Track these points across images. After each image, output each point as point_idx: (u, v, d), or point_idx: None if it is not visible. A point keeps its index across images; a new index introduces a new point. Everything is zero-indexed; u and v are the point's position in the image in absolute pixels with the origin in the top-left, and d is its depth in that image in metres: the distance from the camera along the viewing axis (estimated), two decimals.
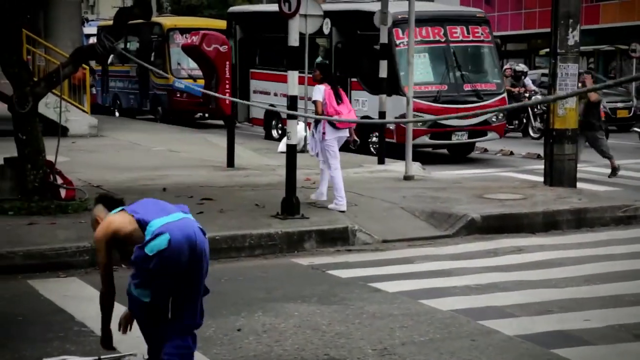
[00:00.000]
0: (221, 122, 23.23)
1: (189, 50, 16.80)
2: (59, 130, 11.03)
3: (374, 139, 17.68)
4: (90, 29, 31.86)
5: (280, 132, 20.80)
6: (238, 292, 7.50)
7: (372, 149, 17.67)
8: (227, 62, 15.59)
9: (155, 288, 5.08)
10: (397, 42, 17.23)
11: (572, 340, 6.22)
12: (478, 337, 6.26)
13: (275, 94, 20.36)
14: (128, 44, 28.42)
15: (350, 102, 17.47)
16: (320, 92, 10.83)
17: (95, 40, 10.79)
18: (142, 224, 5.05)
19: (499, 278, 8.05)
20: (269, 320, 6.61)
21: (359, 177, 13.64)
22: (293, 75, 10.20)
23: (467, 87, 17.57)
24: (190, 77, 24.42)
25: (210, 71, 15.88)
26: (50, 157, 10.48)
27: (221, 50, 15.49)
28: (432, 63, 17.77)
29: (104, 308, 5.34)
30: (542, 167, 13.21)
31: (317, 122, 10.87)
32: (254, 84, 21.55)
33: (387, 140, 17.26)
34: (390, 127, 17.23)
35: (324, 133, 10.78)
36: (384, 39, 15.54)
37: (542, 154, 14.54)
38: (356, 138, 11.48)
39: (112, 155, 16.57)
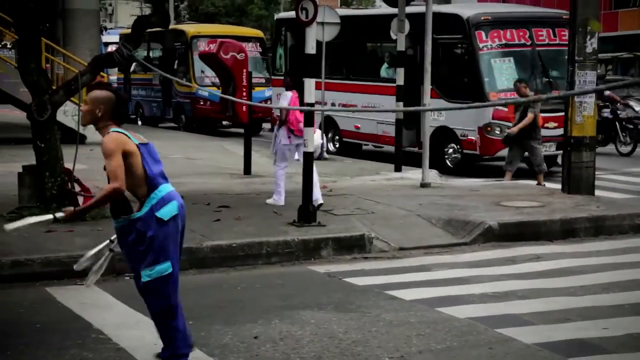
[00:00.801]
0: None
1: (206, 57, 16.93)
2: (77, 138, 11.08)
3: (450, 151, 16.87)
4: (109, 37, 31.97)
5: (337, 144, 19.95)
6: (255, 299, 7.50)
7: (448, 162, 16.73)
8: (244, 70, 15.69)
9: (173, 254, 5.32)
10: (480, 45, 16.19)
11: (591, 348, 6.19)
12: (496, 345, 6.24)
13: (333, 104, 19.35)
14: (151, 51, 28.40)
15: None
16: (287, 98, 11.57)
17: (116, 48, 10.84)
18: (151, 180, 5.34)
19: (516, 286, 8.02)
20: (285, 327, 6.61)
21: (375, 185, 13.63)
22: (310, 83, 10.23)
23: (555, 94, 15.73)
24: (213, 84, 24.34)
25: (227, 79, 15.97)
26: (68, 164, 10.53)
27: (238, 58, 15.58)
28: (517, 68, 16.60)
29: (107, 199, 5.27)
30: (560, 174, 13.16)
31: (280, 125, 11.54)
32: None
33: (467, 151, 16.31)
34: (473, 138, 16.33)
35: (289, 137, 11.44)
36: (401, 46, 15.54)
37: (559, 161, 14.47)
38: None
39: None
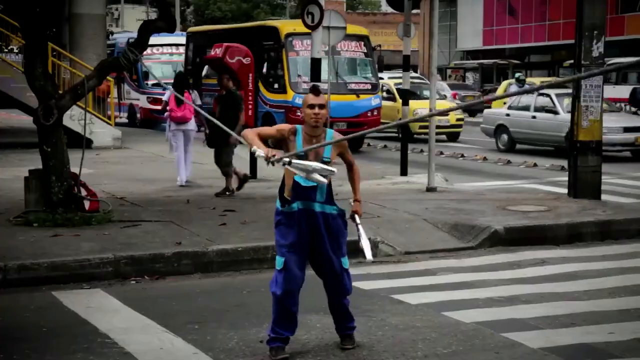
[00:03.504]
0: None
1: (212, 62, 16.90)
2: (83, 143, 11.12)
3: None
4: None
5: None
6: (260, 303, 7.50)
7: None
8: (250, 75, 15.70)
9: None
10: None
11: (597, 353, 6.18)
12: (502, 349, 6.23)
13: None
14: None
15: None
16: (168, 93, 14.04)
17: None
18: None
19: (522, 290, 8.01)
20: None
21: (381, 189, 13.63)
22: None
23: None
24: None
25: (233, 83, 15.99)
26: (74, 169, 10.56)
27: (244, 63, 15.58)
28: None
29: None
30: (566, 178, 13.15)
31: (166, 117, 14.21)
32: None
33: None
34: None
35: (169, 126, 14.06)
36: (407, 51, 15.54)
37: (565, 165, 14.47)
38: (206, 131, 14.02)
39: (135, 167, 16.66)
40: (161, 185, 13.66)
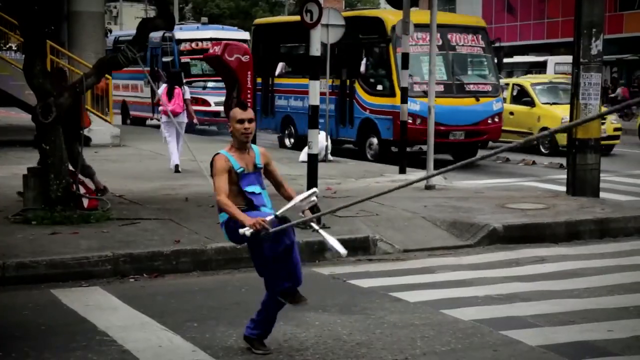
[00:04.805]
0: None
1: (210, 60, 16.89)
2: (81, 140, 11.10)
3: None
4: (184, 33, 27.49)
5: None
6: (259, 301, 7.49)
7: None
8: (249, 72, 15.71)
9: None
10: None
11: (595, 350, 6.18)
12: (500, 347, 6.23)
13: None
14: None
15: None
16: (162, 89, 15.82)
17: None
18: None
19: (521, 288, 8.01)
20: (289, 329, 6.61)
21: (380, 187, 13.62)
22: (315, 85, 10.25)
23: None
24: (425, 94, 16.64)
25: (232, 81, 15.99)
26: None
27: (243, 60, 15.59)
28: None
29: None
30: (565, 176, 13.16)
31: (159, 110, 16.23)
32: None
33: None
34: None
35: (160, 118, 15.94)
36: (406, 48, 15.52)
37: (564, 163, 14.48)
38: (195, 121, 16.74)
39: (134, 165, 16.66)
40: (160, 183, 13.66)
